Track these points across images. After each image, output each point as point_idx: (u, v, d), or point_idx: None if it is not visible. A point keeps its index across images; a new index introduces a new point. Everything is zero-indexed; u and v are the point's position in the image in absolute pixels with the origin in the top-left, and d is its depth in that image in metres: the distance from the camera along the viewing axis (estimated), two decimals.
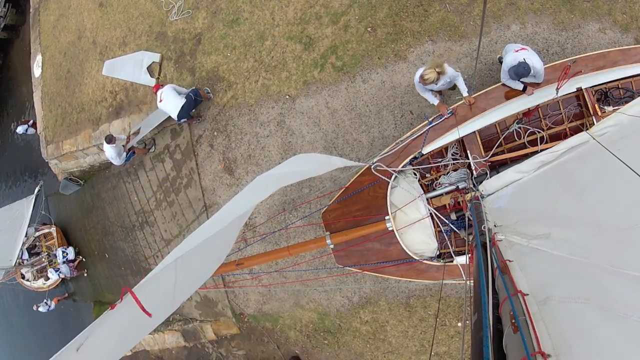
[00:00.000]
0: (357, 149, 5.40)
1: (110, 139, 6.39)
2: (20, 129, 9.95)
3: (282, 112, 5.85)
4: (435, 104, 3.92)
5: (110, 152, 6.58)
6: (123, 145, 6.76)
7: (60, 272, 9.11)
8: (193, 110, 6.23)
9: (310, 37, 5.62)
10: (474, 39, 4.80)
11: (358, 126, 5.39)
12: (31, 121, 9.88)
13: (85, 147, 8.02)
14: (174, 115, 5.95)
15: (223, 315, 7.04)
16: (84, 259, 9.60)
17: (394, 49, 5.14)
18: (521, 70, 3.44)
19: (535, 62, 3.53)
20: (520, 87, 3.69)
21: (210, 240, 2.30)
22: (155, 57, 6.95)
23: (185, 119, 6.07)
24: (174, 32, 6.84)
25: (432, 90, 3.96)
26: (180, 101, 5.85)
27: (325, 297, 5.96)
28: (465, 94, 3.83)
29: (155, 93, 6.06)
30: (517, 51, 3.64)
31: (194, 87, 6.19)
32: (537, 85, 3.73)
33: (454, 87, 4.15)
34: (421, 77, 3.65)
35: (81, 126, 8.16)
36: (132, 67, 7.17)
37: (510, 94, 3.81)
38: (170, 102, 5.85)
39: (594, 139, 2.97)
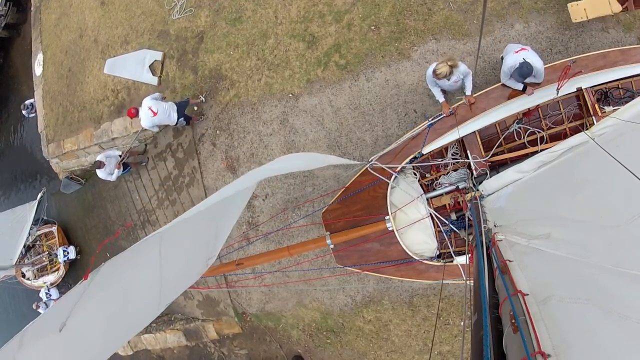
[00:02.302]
0: (361, 148, 5.40)
1: (98, 165, 6.42)
2: (26, 113, 9.91)
3: (285, 110, 5.85)
4: (441, 101, 3.93)
5: (102, 174, 6.59)
6: (120, 155, 6.66)
7: (50, 298, 9.28)
8: (189, 107, 6.14)
9: (313, 36, 5.62)
10: (478, 37, 4.80)
11: (362, 125, 5.38)
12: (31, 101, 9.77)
13: (86, 145, 8.00)
14: (173, 118, 5.80)
15: (225, 314, 7.03)
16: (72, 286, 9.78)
17: (397, 48, 5.14)
18: (525, 71, 3.45)
19: (535, 61, 3.53)
20: (520, 87, 3.69)
21: (198, 236, 2.28)
22: (158, 55, 6.93)
23: (183, 119, 5.96)
24: (176, 30, 6.83)
25: (440, 88, 3.96)
26: (171, 105, 5.77)
27: (328, 296, 5.95)
28: (468, 92, 3.83)
29: (136, 115, 5.73)
30: (517, 52, 3.64)
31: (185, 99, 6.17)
32: (537, 85, 3.72)
33: (462, 91, 4.16)
34: (434, 71, 3.65)
35: (82, 125, 8.14)
36: (134, 66, 7.15)
37: (510, 94, 3.81)
38: (162, 108, 5.64)
39: (592, 140, 2.97)
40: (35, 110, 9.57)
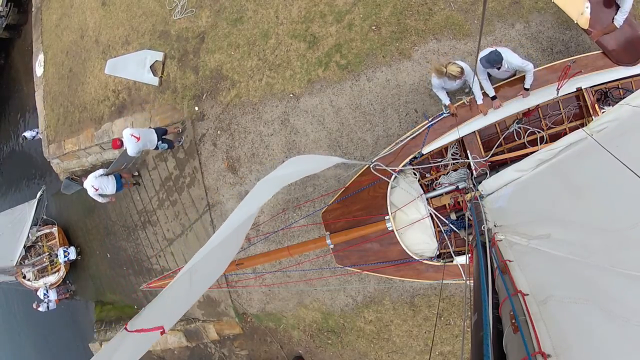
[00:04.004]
0: (362, 148, 5.40)
1: (92, 188, 6.50)
2: (28, 134, 9.49)
3: (286, 110, 5.85)
4: (447, 103, 3.92)
5: (96, 182, 6.53)
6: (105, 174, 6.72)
7: (48, 299, 9.35)
8: (167, 136, 6.48)
9: (314, 36, 5.62)
10: (478, 37, 4.80)
11: (362, 125, 5.39)
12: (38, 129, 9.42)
13: (87, 146, 8.02)
14: (154, 141, 6.11)
15: (226, 315, 7.02)
16: (71, 288, 9.95)
17: (398, 48, 5.14)
18: (492, 57, 3.47)
19: (509, 56, 3.55)
20: (491, 93, 3.72)
21: (221, 245, 2.29)
22: (159, 55, 6.95)
23: (163, 142, 6.27)
24: (178, 30, 6.85)
25: (446, 91, 3.96)
26: (149, 129, 6.12)
27: (329, 296, 5.94)
28: (480, 101, 3.78)
29: (121, 146, 5.97)
30: (491, 47, 3.68)
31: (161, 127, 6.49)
32: (534, 88, 3.70)
33: (462, 90, 4.15)
34: (448, 75, 3.65)
35: (83, 125, 8.16)
36: (134, 66, 7.17)
37: (510, 94, 3.81)
38: (143, 133, 5.96)
39: (591, 137, 2.94)
40: (38, 134, 9.25)
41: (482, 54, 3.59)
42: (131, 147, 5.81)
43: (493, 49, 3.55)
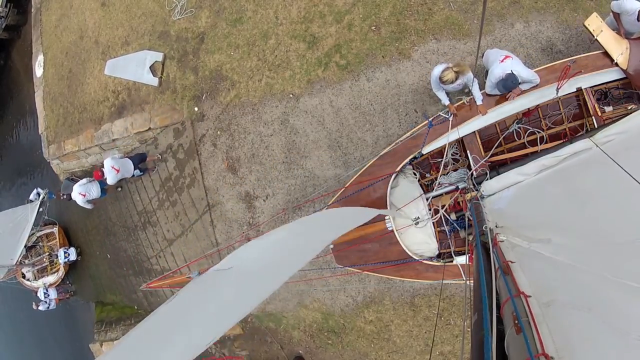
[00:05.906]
0: (362, 148, 5.40)
1: (80, 194, 6.89)
2: (32, 195, 8.98)
3: (286, 111, 5.85)
4: (447, 103, 3.91)
5: (82, 189, 6.90)
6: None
7: (50, 299, 9.36)
8: (143, 163, 7.05)
9: (314, 36, 5.62)
10: (478, 37, 4.80)
11: (362, 125, 5.39)
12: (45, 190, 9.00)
13: (87, 146, 8.02)
14: (131, 169, 6.66)
15: None
16: (71, 289, 10.05)
17: (398, 48, 5.14)
18: (510, 84, 3.44)
19: (520, 70, 3.50)
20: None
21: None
22: (158, 56, 6.94)
23: (139, 170, 6.82)
24: (177, 31, 6.84)
25: (445, 91, 3.95)
26: (126, 159, 6.67)
27: (329, 296, 5.94)
28: (479, 102, 3.76)
29: (102, 176, 6.43)
30: (502, 61, 3.59)
31: (140, 153, 7.15)
32: (522, 92, 3.70)
33: (462, 90, 4.14)
34: (440, 77, 3.64)
35: (83, 126, 8.15)
36: (134, 67, 7.16)
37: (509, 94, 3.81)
38: (122, 164, 6.51)
39: (598, 147, 2.92)
40: (41, 195, 8.93)
41: (498, 74, 3.52)
42: (110, 178, 6.41)
43: (507, 66, 3.47)
